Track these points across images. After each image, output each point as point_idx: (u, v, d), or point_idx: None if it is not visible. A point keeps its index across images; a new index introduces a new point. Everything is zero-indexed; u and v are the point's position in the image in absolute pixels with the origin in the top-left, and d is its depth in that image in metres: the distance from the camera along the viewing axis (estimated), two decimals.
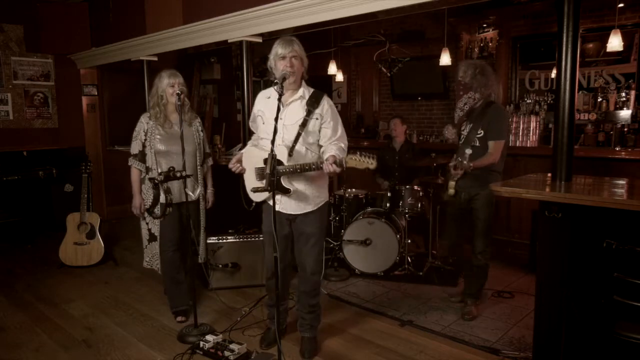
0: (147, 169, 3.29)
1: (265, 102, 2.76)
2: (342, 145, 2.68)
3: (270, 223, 2.48)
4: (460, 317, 3.36)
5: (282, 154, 2.60)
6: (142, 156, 3.30)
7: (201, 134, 3.43)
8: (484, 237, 3.28)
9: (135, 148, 3.31)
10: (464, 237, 3.49)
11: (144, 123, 3.30)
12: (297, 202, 2.71)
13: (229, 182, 3.40)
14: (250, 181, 2.83)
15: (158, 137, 3.26)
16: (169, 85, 3.21)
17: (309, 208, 2.74)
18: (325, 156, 2.54)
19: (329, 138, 2.68)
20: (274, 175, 2.40)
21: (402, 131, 4.87)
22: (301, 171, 2.58)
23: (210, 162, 3.53)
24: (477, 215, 3.27)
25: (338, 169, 2.43)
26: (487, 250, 3.30)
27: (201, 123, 3.49)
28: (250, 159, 2.83)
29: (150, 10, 5.23)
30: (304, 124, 2.62)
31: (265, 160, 2.64)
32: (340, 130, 2.72)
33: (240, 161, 2.84)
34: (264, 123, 2.74)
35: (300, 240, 2.81)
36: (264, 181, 2.66)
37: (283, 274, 2.78)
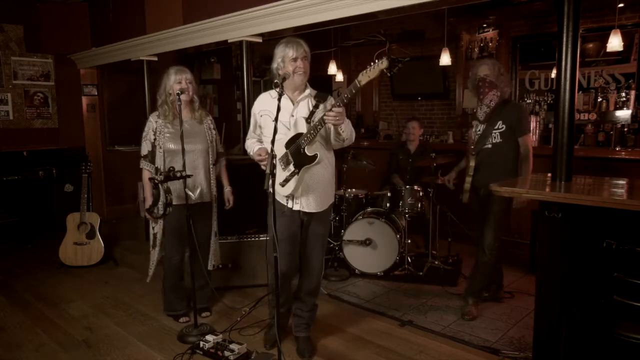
0: (157, 170, 3.15)
1: (270, 102, 2.73)
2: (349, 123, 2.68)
3: (284, 227, 2.50)
4: (460, 317, 3.36)
5: (302, 127, 2.60)
6: (152, 157, 3.18)
7: (213, 132, 3.30)
8: (493, 231, 3.23)
9: (144, 149, 3.20)
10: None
11: (152, 122, 3.19)
12: (317, 200, 2.71)
13: (230, 182, 3.40)
14: (278, 174, 2.73)
15: (167, 135, 3.14)
16: (176, 81, 3.12)
17: (325, 206, 2.76)
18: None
19: None
20: (274, 175, 2.40)
21: (419, 134, 4.91)
22: (316, 132, 2.54)
23: (224, 161, 3.40)
24: (491, 209, 3.24)
25: (340, 109, 2.43)
26: (494, 247, 3.24)
27: (213, 121, 3.35)
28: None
29: (150, 10, 5.22)
30: (311, 115, 2.61)
31: (287, 145, 2.64)
32: None
33: (265, 153, 2.71)
34: (274, 120, 2.66)
35: (311, 241, 2.80)
36: (290, 166, 2.65)
37: (293, 275, 2.84)
